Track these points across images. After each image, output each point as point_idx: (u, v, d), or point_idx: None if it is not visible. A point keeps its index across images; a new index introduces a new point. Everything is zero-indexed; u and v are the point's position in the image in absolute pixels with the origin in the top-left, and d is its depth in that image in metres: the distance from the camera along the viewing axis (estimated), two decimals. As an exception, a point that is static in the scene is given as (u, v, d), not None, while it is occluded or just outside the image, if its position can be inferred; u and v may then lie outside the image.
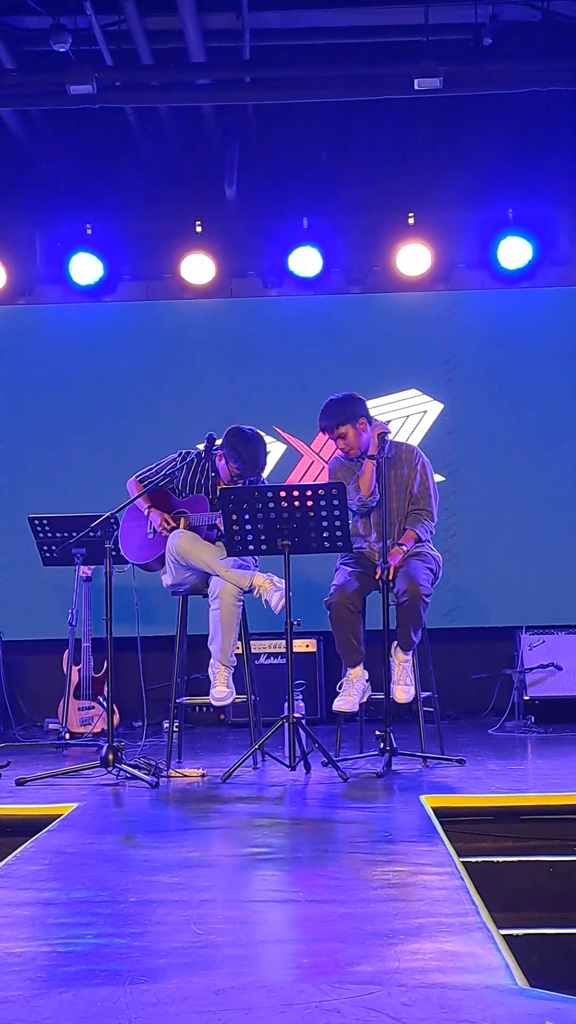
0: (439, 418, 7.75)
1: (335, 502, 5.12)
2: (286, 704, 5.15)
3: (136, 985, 2.37)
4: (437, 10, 6.38)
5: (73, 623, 6.87)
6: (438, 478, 6.44)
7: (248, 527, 5.19)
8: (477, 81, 6.66)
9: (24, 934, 2.84)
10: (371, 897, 3.09)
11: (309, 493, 5.14)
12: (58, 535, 6.18)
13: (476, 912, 2.90)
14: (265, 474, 6.14)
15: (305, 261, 7.72)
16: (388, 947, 2.63)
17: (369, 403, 7.60)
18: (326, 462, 5.90)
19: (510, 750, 6.15)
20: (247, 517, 5.17)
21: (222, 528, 5.34)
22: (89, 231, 7.76)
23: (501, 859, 4.12)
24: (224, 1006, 2.23)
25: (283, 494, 5.14)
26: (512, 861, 4.10)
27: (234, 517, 5.18)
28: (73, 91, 6.34)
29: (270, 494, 5.15)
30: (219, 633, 5.51)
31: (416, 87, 6.33)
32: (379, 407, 7.71)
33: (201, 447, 5.60)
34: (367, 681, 5.58)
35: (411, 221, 7.71)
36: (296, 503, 5.12)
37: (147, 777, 5.04)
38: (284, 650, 5.39)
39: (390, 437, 5.60)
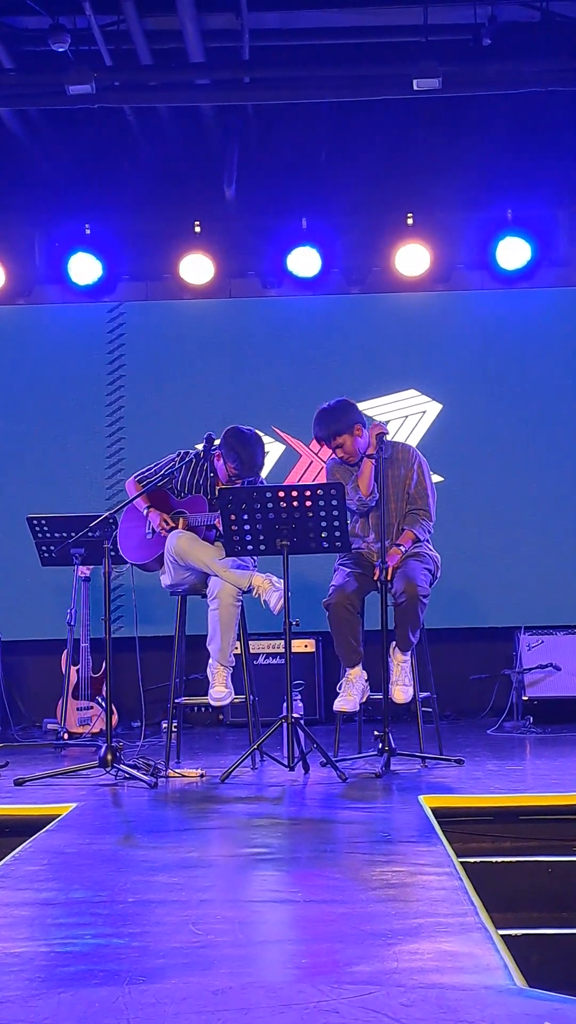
0: (438, 418, 7.76)
1: (334, 502, 5.12)
2: (285, 704, 5.15)
3: (135, 985, 2.37)
4: (436, 10, 6.38)
5: (72, 623, 6.87)
6: (437, 478, 6.44)
7: (247, 527, 5.19)
8: (476, 81, 6.66)
9: (23, 934, 2.84)
10: (370, 897, 3.08)
11: (308, 493, 5.14)
12: (57, 535, 6.18)
13: (475, 912, 2.89)
14: (264, 474, 6.15)
15: (304, 261, 7.73)
16: (387, 947, 2.63)
17: (368, 403, 7.66)
18: (325, 462, 5.90)
19: (509, 750, 6.15)
20: (246, 517, 5.17)
21: (221, 528, 5.34)
22: (88, 231, 7.76)
23: (500, 859, 4.12)
24: (223, 1006, 2.23)
25: (282, 494, 5.14)
26: (511, 861, 4.10)
27: (233, 517, 5.18)
28: (72, 91, 6.34)
29: (269, 494, 5.15)
30: (218, 633, 5.51)
31: (415, 87, 6.33)
32: (378, 407, 7.71)
33: (200, 447, 5.60)
34: (366, 681, 5.58)
35: (410, 221, 7.71)
36: (295, 503, 5.12)
37: (146, 777, 5.04)
38: (283, 650, 5.39)
39: (387, 437, 5.59)
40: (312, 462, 7.66)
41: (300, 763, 5.19)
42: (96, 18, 6.19)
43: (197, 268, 7.77)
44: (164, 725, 6.08)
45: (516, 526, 7.66)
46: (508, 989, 2.32)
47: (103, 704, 6.79)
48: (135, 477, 5.79)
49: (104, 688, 5.86)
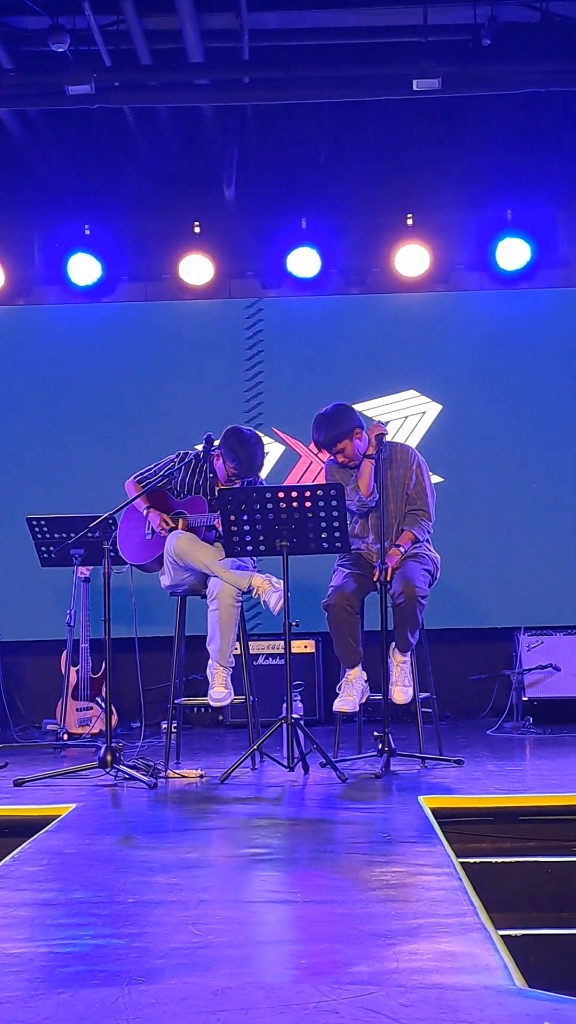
0: (438, 419, 7.76)
1: (333, 503, 5.12)
2: (284, 705, 5.15)
3: (134, 986, 2.37)
4: (436, 11, 6.38)
5: (71, 624, 6.87)
6: (436, 479, 6.44)
7: (246, 528, 5.18)
8: (476, 82, 6.67)
9: (22, 935, 2.84)
10: (369, 898, 3.08)
11: (308, 494, 5.13)
12: (56, 536, 6.18)
13: (474, 913, 2.89)
14: (263, 475, 6.14)
15: (304, 262, 7.73)
16: (386, 948, 2.63)
17: (367, 404, 7.66)
18: (324, 463, 5.90)
19: (508, 751, 6.15)
20: (245, 518, 5.17)
21: (220, 529, 5.34)
22: (88, 232, 7.76)
23: (499, 860, 4.12)
24: (222, 1007, 2.23)
25: (281, 495, 5.14)
26: (510, 862, 4.10)
27: (232, 518, 5.18)
28: (71, 91, 6.33)
29: (268, 495, 5.15)
30: (217, 634, 5.51)
31: (415, 88, 6.33)
32: (378, 408, 7.71)
33: (199, 448, 5.60)
34: (366, 682, 5.58)
35: (410, 222, 7.71)
36: (295, 504, 5.12)
37: (145, 778, 5.04)
38: (282, 651, 5.39)
39: (386, 438, 5.59)
40: (312, 463, 7.66)
41: (300, 764, 5.19)
42: (95, 18, 6.19)
43: (197, 269, 7.77)
44: (164, 726, 6.08)
45: (516, 527, 7.66)
46: (508, 989, 2.32)
47: (103, 705, 6.79)
48: (134, 477, 5.79)
49: (104, 689, 5.85)
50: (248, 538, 5.21)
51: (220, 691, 5.52)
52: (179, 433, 7.12)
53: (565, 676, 7.14)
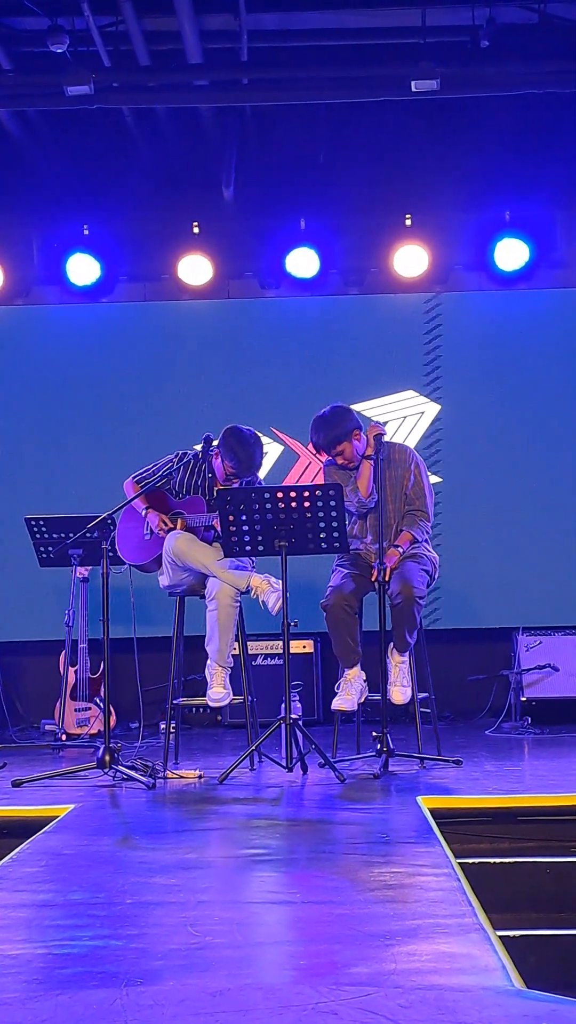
0: (436, 419, 7.76)
1: (332, 503, 5.12)
2: (283, 705, 5.15)
3: (133, 987, 2.37)
4: (434, 12, 6.38)
5: (70, 624, 6.87)
6: (435, 479, 6.45)
7: (245, 528, 5.19)
8: (474, 83, 6.66)
9: (20, 936, 2.84)
10: (368, 898, 3.09)
11: (306, 494, 5.14)
12: (55, 536, 6.18)
13: (473, 913, 2.90)
14: (262, 475, 6.14)
15: (302, 262, 7.73)
16: (385, 948, 2.63)
17: (366, 404, 7.67)
18: (323, 463, 5.90)
19: (507, 751, 6.15)
20: (244, 518, 5.17)
21: (219, 529, 5.34)
22: (86, 232, 7.75)
23: (498, 860, 4.12)
24: (221, 1008, 2.23)
25: (280, 495, 5.14)
26: (509, 862, 4.10)
27: (231, 518, 5.18)
28: (70, 92, 6.33)
29: (267, 495, 5.15)
30: (216, 634, 5.51)
31: (413, 89, 6.33)
32: (376, 408, 7.71)
33: (198, 448, 5.61)
34: (364, 682, 5.58)
35: (408, 223, 7.71)
36: (293, 504, 5.12)
37: (144, 778, 5.04)
38: (281, 651, 5.39)
39: (385, 438, 5.59)
40: (310, 463, 7.66)
41: (298, 764, 5.19)
42: (94, 19, 6.19)
43: (195, 269, 7.77)
44: (162, 726, 6.08)
45: (514, 527, 7.66)
46: (506, 990, 2.32)
47: (101, 705, 6.79)
48: (133, 478, 5.80)
49: (102, 689, 5.85)
50: (247, 538, 5.21)
51: (219, 691, 5.53)
52: (178, 433, 7.12)
53: (563, 676, 7.15)
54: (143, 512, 5.73)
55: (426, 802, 4.41)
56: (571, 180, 7.72)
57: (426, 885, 3.24)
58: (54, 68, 6.43)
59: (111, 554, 5.42)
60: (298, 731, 5.22)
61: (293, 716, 5.15)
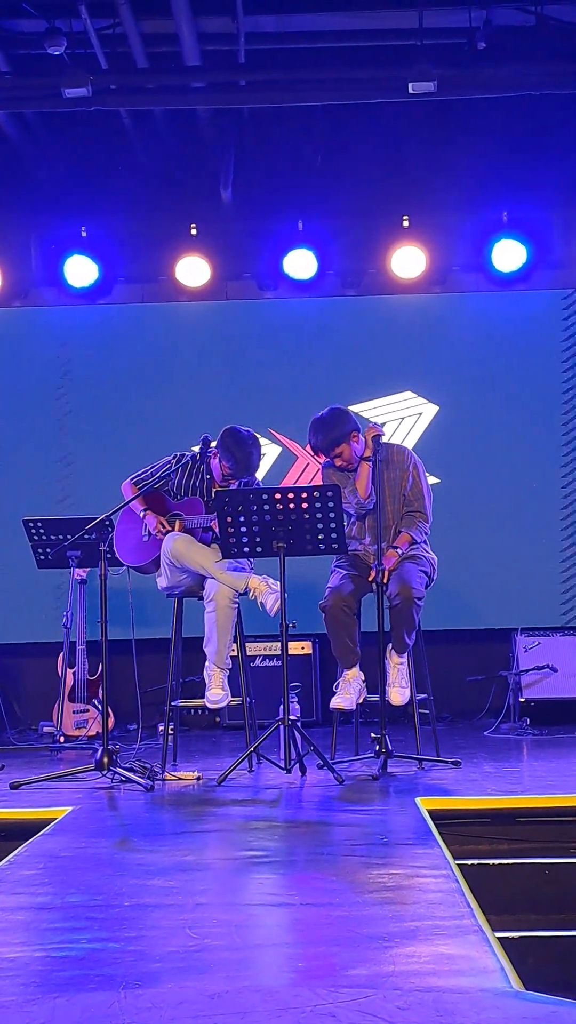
0: (434, 420, 7.76)
1: (330, 504, 5.12)
2: (281, 707, 5.15)
3: (131, 990, 2.37)
4: (431, 14, 6.38)
5: (68, 626, 6.86)
6: (433, 480, 6.44)
7: (243, 529, 5.19)
8: (471, 85, 6.66)
9: (18, 939, 2.84)
10: (366, 900, 3.08)
11: (304, 495, 5.14)
12: (53, 538, 6.17)
13: (471, 915, 2.89)
14: (260, 476, 6.14)
15: (300, 263, 7.73)
16: (383, 950, 2.63)
17: (364, 405, 7.67)
18: (321, 464, 5.90)
19: (506, 752, 6.15)
20: (242, 519, 5.17)
21: (217, 530, 5.34)
22: (84, 234, 7.75)
23: (497, 862, 4.13)
24: (219, 1010, 2.23)
25: (278, 496, 5.14)
26: (508, 864, 4.11)
27: (229, 519, 5.18)
28: (68, 94, 6.33)
29: (265, 496, 5.15)
30: (214, 635, 5.51)
31: (411, 91, 6.33)
32: (374, 409, 7.71)
33: (196, 449, 5.61)
34: (363, 682, 5.58)
35: (406, 224, 7.71)
36: (291, 505, 5.12)
37: (142, 780, 5.04)
38: (279, 652, 5.39)
39: (383, 439, 5.59)
40: (308, 464, 7.66)
41: (297, 765, 5.19)
42: (92, 21, 6.19)
43: (193, 270, 7.77)
44: (161, 728, 6.08)
45: (513, 527, 7.66)
46: (505, 992, 2.32)
47: (99, 707, 6.78)
48: (131, 479, 5.80)
49: (100, 691, 5.85)
50: (245, 539, 5.21)
51: (217, 693, 5.52)
52: (176, 435, 7.12)
53: (562, 677, 7.15)
54: (141, 514, 5.73)
55: (425, 803, 4.41)
56: (568, 181, 7.73)
57: (425, 887, 3.24)
58: (52, 70, 6.42)
59: (109, 556, 5.41)
60: (296, 732, 5.22)
61: (291, 717, 5.15)
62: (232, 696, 5.58)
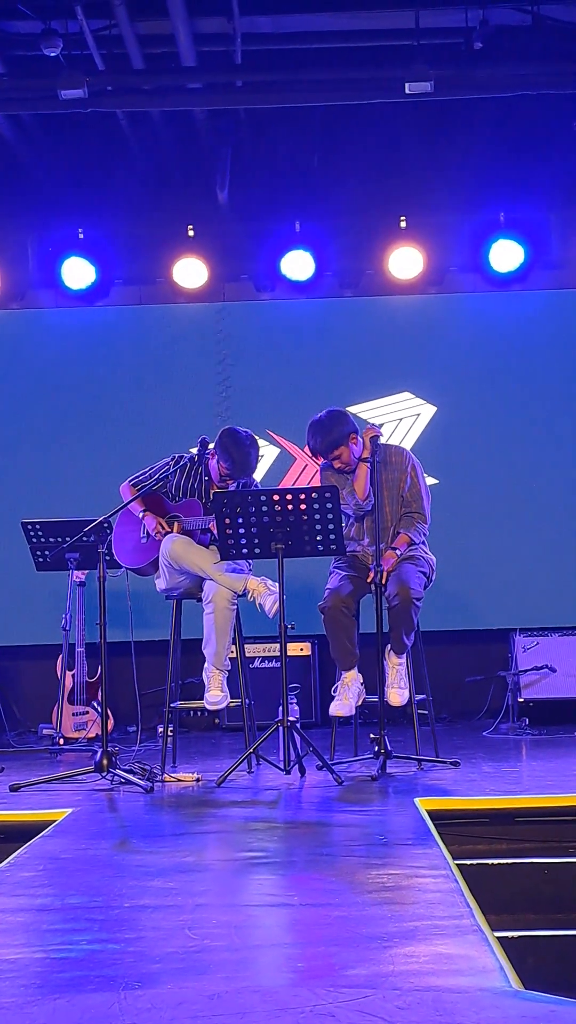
0: (432, 421, 7.76)
1: (328, 505, 5.12)
2: (280, 708, 5.15)
3: (130, 990, 2.37)
4: (428, 14, 6.38)
5: (67, 628, 6.86)
6: (431, 481, 6.45)
7: (241, 531, 5.19)
8: (468, 85, 6.66)
9: (18, 940, 2.84)
10: (366, 900, 3.08)
11: (303, 496, 5.14)
12: (51, 540, 6.17)
13: (471, 915, 2.89)
14: (258, 478, 6.14)
15: (297, 265, 7.73)
16: (383, 950, 2.62)
17: (362, 406, 7.67)
18: (320, 465, 5.90)
19: (505, 752, 6.15)
20: (240, 521, 5.17)
21: (215, 532, 5.34)
22: (81, 235, 7.75)
23: (496, 861, 4.12)
24: (219, 1010, 2.23)
25: (276, 497, 5.15)
26: (507, 863, 4.10)
27: (228, 521, 5.18)
28: (64, 96, 6.32)
29: (263, 498, 5.15)
30: (213, 637, 5.51)
31: (407, 91, 6.33)
32: (372, 410, 7.72)
33: (194, 451, 5.61)
34: (362, 684, 5.58)
35: (403, 224, 7.72)
36: (290, 506, 5.13)
37: (141, 782, 5.04)
38: (278, 654, 5.39)
39: (380, 440, 5.59)
40: (307, 465, 7.66)
41: (296, 766, 5.19)
42: (88, 22, 6.19)
43: (190, 272, 7.77)
44: (160, 729, 6.08)
45: (511, 528, 7.67)
46: (504, 991, 2.32)
47: (99, 709, 6.78)
48: (130, 481, 5.80)
49: (100, 693, 5.86)
50: (243, 541, 5.21)
51: (216, 694, 5.52)
52: (174, 436, 7.11)
53: (561, 677, 7.15)
54: (140, 515, 5.72)
55: (424, 804, 4.41)
56: (565, 181, 7.74)
57: (424, 887, 3.24)
58: (48, 72, 6.42)
59: (108, 558, 5.42)
60: (296, 733, 5.22)
61: (291, 719, 5.15)
62: (231, 698, 5.58)
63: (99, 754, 5.13)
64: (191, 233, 7.75)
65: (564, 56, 6.52)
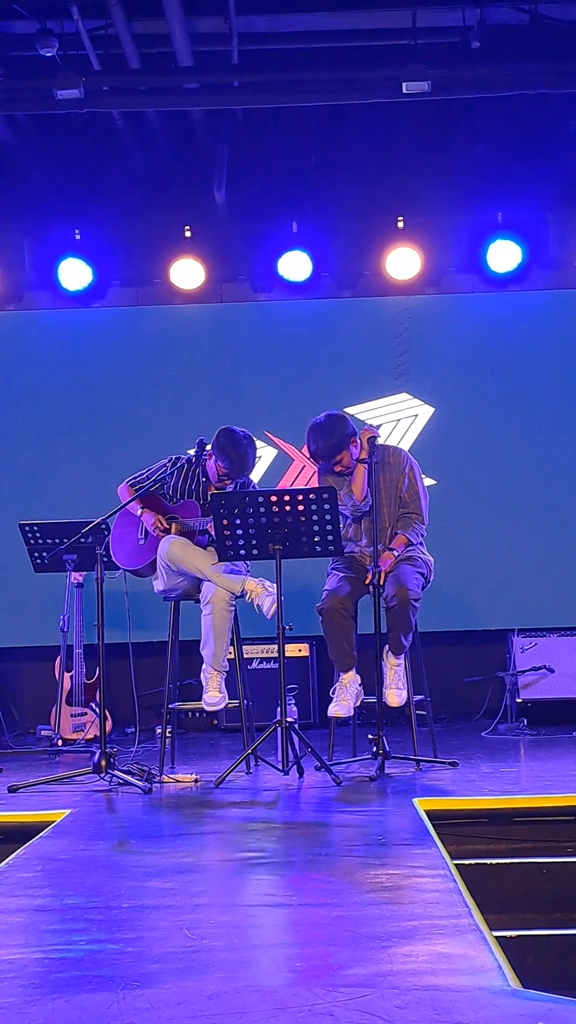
0: (430, 422, 7.76)
1: (326, 506, 5.12)
2: (279, 709, 5.14)
3: (129, 991, 2.37)
4: (425, 14, 6.39)
5: (65, 629, 6.86)
6: (429, 482, 6.45)
7: (239, 532, 5.18)
8: (466, 84, 6.66)
9: (17, 941, 2.83)
10: (364, 900, 3.08)
11: (300, 497, 5.14)
12: (49, 541, 6.17)
13: (469, 914, 2.89)
14: (256, 479, 6.14)
15: (295, 265, 7.73)
16: (381, 950, 2.62)
17: (360, 407, 7.67)
18: (317, 466, 5.89)
19: (503, 752, 6.15)
20: (238, 522, 5.17)
21: (213, 533, 5.33)
22: (78, 236, 7.75)
23: (494, 861, 4.12)
24: (217, 1010, 2.22)
25: (274, 499, 5.14)
26: (505, 863, 4.10)
27: (225, 522, 5.18)
28: (60, 96, 6.32)
29: (261, 499, 5.15)
30: (211, 638, 5.51)
31: (405, 91, 6.33)
32: (370, 411, 7.71)
33: (192, 452, 5.61)
34: (360, 685, 5.57)
35: (401, 225, 7.72)
36: (287, 507, 5.12)
37: (140, 783, 5.03)
38: (276, 655, 5.39)
39: (378, 441, 5.59)
40: (304, 466, 7.66)
41: (294, 767, 5.18)
42: (84, 22, 6.19)
43: (188, 273, 7.77)
44: (158, 731, 6.08)
45: (509, 528, 7.67)
46: (502, 990, 2.32)
47: (97, 710, 6.78)
48: (128, 482, 5.79)
49: (98, 694, 5.85)
50: (241, 542, 5.21)
51: (214, 695, 5.52)
52: (172, 437, 7.11)
53: (559, 677, 7.15)
54: (139, 512, 5.72)
55: (422, 804, 4.41)
56: (563, 181, 7.74)
57: (422, 886, 3.24)
58: (44, 72, 6.42)
59: (105, 559, 5.41)
60: (294, 734, 5.22)
61: (289, 719, 5.14)
62: (229, 699, 5.58)
63: (97, 755, 5.13)
64: (188, 234, 7.75)
65: (561, 55, 6.52)
